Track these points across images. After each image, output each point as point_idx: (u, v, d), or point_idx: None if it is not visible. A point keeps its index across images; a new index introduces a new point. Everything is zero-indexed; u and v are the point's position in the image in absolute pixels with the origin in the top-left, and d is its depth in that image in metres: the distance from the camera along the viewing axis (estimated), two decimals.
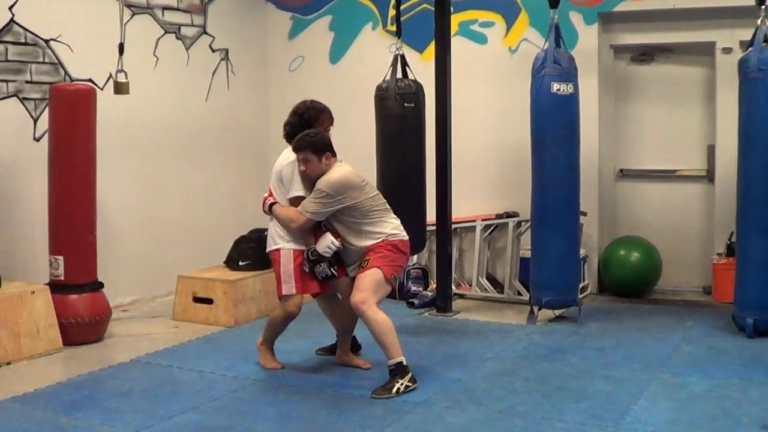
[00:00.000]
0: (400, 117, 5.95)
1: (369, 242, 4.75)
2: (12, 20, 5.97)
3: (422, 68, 6.54)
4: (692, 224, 7.12)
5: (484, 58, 7.34)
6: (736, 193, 5.69)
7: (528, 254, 6.42)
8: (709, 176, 6.99)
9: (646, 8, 6.82)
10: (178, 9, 7.30)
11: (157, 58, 7.10)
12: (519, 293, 6.87)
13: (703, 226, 7.05)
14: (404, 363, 4.57)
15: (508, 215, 7.04)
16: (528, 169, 6.16)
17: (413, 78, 6.11)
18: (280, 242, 4.85)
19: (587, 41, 6.97)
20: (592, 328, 5.92)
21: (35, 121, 6.15)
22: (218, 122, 7.71)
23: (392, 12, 7.28)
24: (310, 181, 4.77)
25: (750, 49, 5.52)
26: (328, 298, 5.06)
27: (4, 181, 5.98)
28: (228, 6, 7.83)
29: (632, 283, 6.95)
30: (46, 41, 6.20)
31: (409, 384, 4.54)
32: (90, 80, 6.38)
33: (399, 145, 5.97)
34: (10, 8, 5.95)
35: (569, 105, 5.97)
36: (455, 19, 7.04)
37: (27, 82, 6.08)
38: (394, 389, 4.48)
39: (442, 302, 6.55)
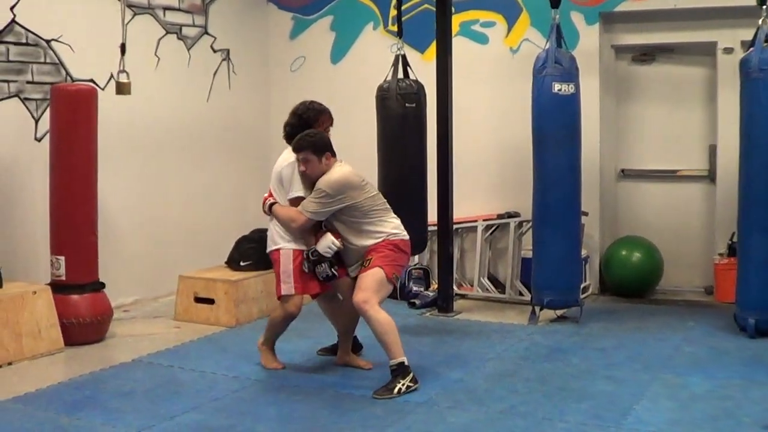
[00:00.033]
0: (402, 117, 5.95)
1: (370, 242, 4.76)
2: (13, 20, 5.97)
3: (423, 68, 6.53)
4: (694, 224, 7.12)
5: (485, 59, 7.34)
6: (738, 193, 5.68)
7: (529, 254, 6.43)
8: (711, 176, 6.98)
9: (648, 8, 6.82)
10: (179, 9, 7.30)
11: (159, 59, 7.10)
12: (520, 293, 6.86)
13: (705, 226, 7.04)
14: (406, 363, 4.57)
15: (510, 215, 7.04)
16: (529, 169, 6.16)
17: (414, 78, 6.11)
18: (280, 242, 4.85)
19: (588, 41, 6.97)
20: (594, 329, 5.92)
21: (36, 122, 6.15)
22: (219, 122, 7.72)
23: (393, 12, 7.27)
24: (310, 181, 4.77)
25: (751, 49, 5.51)
26: (328, 299, 5.06)
27: (6, 181, 5.98)
28: (229, 6, 7.83)
29: (633, 283, 6.94)
30: (48, 41, 6.21)
31: (411, 384, 4.54)
32: (91, 80, 6.38)
33: (400, 145, 5.96)
34: (12, 8, 5.96)
35: (570, 105, 5.97)
36: (456, 19, 7.04)
37: (28, 82, 6.09)
38: (396, 389, 4.48)
39: (444, 302, 6.55)
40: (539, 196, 6.09)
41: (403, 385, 4.50)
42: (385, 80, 6.07)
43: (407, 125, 5.97)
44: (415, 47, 7.26)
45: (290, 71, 8.18)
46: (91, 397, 4.56)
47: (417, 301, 6.72)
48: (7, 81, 5.95)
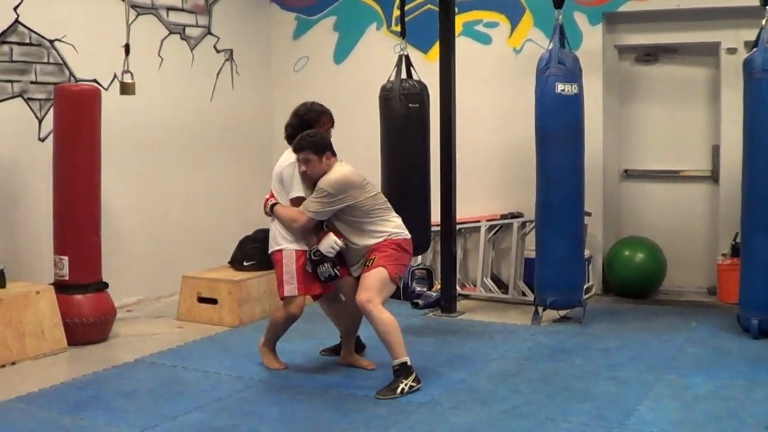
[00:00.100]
0: (405, 117, 5.94)
1: (372, 241, 4.76)
2: (17, 21, 5.98)
3: (427, 68, 6.53)
4: (697, 225, 7.11)
5: (488, 59, 7.34)
6: (741, 194, 5.68)
7: (532, 255, 6.42)
8: (714, 177, 6.98)
9: (651, 8, 6.81)
10: (182, 9, 7.31)
11: (162, 59, 7.11)
12: (523, 294, 6.86)
13: (708, 226, 7.03)
14: (409, 363, 4.57)
15: (513, 216, 7.04)
16: (532, 170, 6.16)
17: (418, 78, 6.10)
18: (282, 243, 4.85)
19: (592, 41, 6.96)
20: (597, 329, 5.92)
21: (40, 122, 6.16)
22: (222, 122, 7.72)
23: (397, 12, 7.27)
24: (311, 181, 4.77)
25: (755, 49, 5.51)
26: (330, 300, 5.06)
27: (9, 181, 5.99)
28: (232, 6, 7.83)
29: (637, 283, 6.94)
30: (51, 42, 6.21)
31: (414, 384, 4.54)
32: (95, 81, 6.39)
33: (403, 145, 5.96)
34: (15, 9, 5.96)
35: (574, 105, 5.97)
36: (459, 20, 7.04)
37: (32, 82, 6.09)
38: (399, 389, 4.48)
39: (447, 303, 6.54)
40: (542, 196, 6.08)
41: (406, 385, 4.50)
42: (388, 80, 6.06)
43: (410, 125, 5.96)
44: (418, 47, 7.26)
45: (293, 71, 8.18)
46: (94, 397, 4.56)
47: (420, 302, 6.72)
48: (11, 81, 5.96)
